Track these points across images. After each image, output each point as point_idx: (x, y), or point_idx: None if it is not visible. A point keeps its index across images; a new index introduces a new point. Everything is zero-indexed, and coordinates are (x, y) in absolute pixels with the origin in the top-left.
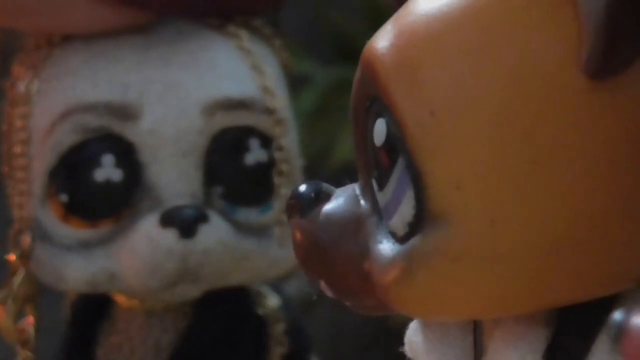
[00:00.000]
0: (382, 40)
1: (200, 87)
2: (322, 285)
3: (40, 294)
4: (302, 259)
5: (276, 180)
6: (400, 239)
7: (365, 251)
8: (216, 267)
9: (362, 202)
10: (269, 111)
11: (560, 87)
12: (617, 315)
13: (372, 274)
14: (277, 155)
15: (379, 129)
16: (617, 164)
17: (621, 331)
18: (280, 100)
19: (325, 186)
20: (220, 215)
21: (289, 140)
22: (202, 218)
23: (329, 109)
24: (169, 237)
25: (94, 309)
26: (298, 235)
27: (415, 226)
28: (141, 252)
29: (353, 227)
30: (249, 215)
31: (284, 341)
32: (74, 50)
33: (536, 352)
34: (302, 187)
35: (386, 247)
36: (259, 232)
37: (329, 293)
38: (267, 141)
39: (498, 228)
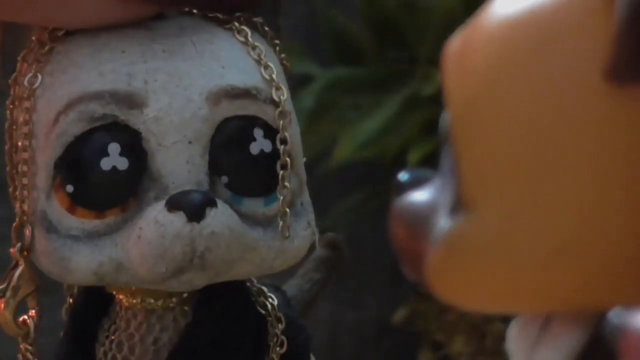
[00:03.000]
0: (457, 34)
1: (204, 76)
2: (403, 267)
3: (41, 293)
4: (393, 239)
5: (279, 172)
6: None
7: (428, 235)
8: (223, 253)
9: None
10: (274, 102)
11: (583, 92)
12: (615, 315)
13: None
14: (281, 147)
15: (444, 118)
16: (633, 175)
17: (620, 331)
18: (285, 93)
19: (426, 173)
20: (226, 204)
21: (293, 133)
22: (209, 202)
23: (329, 109)
24: (177, 220)
25: (94, 308)
26: (391, 216)
27: (452, 214)
28: (149, 237)
29: (428, 213)
30: (254, 206)
31: (283, 341)
32: (78, 44)
33: (555, 350)
34: (404, 172)
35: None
36: (264, 223)
37: (408, 275)
38: (270, 132)
39: (511, 223)
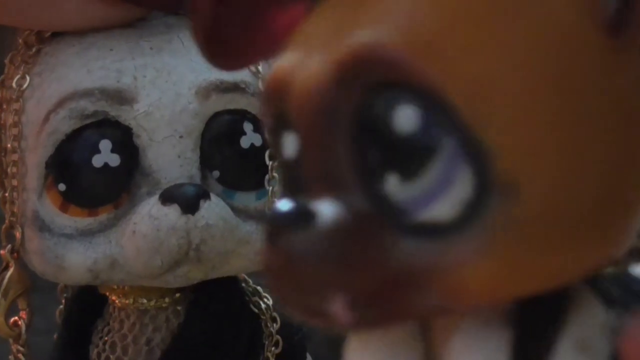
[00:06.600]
0: (385, 30)
1: (193, 71)
2: (336, 310)
3: (35, 293)
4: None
5: (269, 163)
6: (449, 224)
7: (384, 256)
8: (218, 245)
9: (349, 210)
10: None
11: (579, 43)
12: (614, 315)
13: (412, 274)
14: None
15: (406, 117)
16: (632, 127)
17: (619, 331)
18: None
19: (305, 202)
20: (219, 197)
21: None
22: (203, 194)
23: None
24: (171, 213)
25: (87, 309)
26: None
27: (477, 202)
28: (144, 231)
29: (362, 237)
30: (246, 200)
31: (278, 340)
32: (65, 44)
33: (502, 352)
34: (283, 202)
35: (424, 238)
36: (256, 217)
37: (344, 320)
38: (260, 126)
39: (558, 193)
